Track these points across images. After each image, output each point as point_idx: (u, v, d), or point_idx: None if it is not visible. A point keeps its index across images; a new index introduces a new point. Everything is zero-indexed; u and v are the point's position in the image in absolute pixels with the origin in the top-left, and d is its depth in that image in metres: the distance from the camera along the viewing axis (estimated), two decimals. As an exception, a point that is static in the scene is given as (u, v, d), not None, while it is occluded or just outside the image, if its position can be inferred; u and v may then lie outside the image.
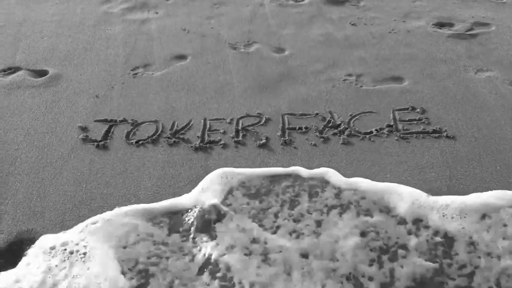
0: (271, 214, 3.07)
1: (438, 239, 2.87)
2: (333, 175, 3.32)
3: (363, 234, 2.91)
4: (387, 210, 3.07)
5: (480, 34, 5.17)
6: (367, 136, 3.71)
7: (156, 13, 5.72)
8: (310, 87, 4.29)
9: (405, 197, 3.11)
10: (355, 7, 5.84)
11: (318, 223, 2.98)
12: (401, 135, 3.71)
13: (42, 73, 4.55)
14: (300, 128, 3.80)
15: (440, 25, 5.39)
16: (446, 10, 5.71)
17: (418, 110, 3.98)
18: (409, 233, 2.92)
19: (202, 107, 4.05)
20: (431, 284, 2.66)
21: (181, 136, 3.74)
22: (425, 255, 2.80)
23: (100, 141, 3.69)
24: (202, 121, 3.89)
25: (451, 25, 5.38)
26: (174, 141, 3.69)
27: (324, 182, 3.28)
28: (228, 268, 2.72)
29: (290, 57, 4.77)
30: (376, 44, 4.99)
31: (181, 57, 4.81)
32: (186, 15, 5.67)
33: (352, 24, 5.41)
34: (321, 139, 3.68)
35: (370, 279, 2.69)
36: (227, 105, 4.08)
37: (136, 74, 4.53)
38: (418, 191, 3.16)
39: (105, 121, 3.91)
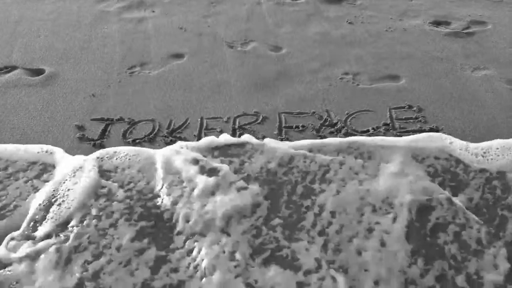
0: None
1: (488, 175, 3.22)
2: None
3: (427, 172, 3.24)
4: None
5: (477, 32, 5.18)
6: (364, 134, 3.72)
7: (153, 11, 5.71)
8: (307, 86, 4.29)
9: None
10: (352, 5, 5.84)
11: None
12: (398, 134, 3.72)
13: (38, 71, 4.54)
14: (297, 127, 3.80)
15: (437, 23, 5.40)
16: (443, 8, 5.72)
17: (414, 108, 3.99)
18: (464, 172, 3.25)
19: (199, 106, 4.05)
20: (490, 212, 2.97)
21: (178, 135, 3.74)
22: (480, 189, 3.13)
23: (97, 140, 3.69)
24: (199, 119, 3.89)
25: (447, 23, 5.39)
26: (171, 140, 3.68)
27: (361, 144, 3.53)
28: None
29: (287, 56, 4.77)
30: (373, 43, 4.99)
31: (178, 55, 4.81)
32: (183, 13, 5.67)
33: (349, 23, 5.42)
34: (318, 137, 3.69)
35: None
36: (224, 103, 4.08)
37: (132, 72, 4.53)
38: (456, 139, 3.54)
39: (101, 119, 3.91)
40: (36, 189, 3.15)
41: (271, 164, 3.28)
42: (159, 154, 3.39)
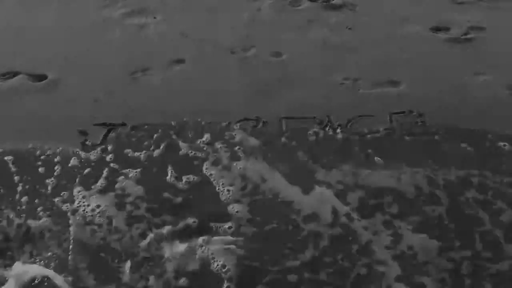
0: None
1: None
2: None
3: None
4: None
5: (476, 38, 5.20)
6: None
7: (155, 18, 5.74)
8: (307, 91, 4.32)
9: None
10: (352, 11, 5.86)
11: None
12: (398, 138, 3.74)
13: (41, 77, 4.55)
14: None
15: (437, 29, 5.42)
16: (442, 14, 5.73)
17: (415, 113, 4.01)
18: None
19: (199, 111, 4.07)
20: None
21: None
22: None
23: (99, 144, 3.71)
24: (201, 124, 3.92)
25: (447, 29, 5.41)
26: (173, 145, 3.71)
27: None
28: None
29: (287, 61, 4.79)
30: (373, 48, 5.01)
31: (180, 61, 4.83)
32: (184, 19, 5.69)
33: (349, 29, 5.44)
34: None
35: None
36: (224, 109, 4.10)
37: (135, 78, 4.55)
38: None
39: (104, 125, 3.93)
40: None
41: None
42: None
